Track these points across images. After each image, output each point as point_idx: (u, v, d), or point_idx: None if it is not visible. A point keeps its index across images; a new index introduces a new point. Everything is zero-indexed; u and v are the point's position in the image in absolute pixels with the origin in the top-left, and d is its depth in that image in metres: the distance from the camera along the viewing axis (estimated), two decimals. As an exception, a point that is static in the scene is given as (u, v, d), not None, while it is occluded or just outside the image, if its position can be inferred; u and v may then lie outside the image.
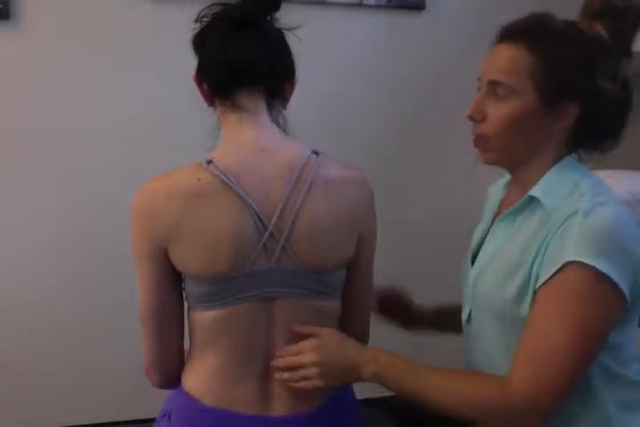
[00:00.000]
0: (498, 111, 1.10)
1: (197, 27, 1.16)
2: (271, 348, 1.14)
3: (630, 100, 1.12)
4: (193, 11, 1.18)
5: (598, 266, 0.98)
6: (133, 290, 1.15)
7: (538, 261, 1.04)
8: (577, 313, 0.99)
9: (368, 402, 1.67)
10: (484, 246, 1.19)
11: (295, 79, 1.19)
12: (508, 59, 1.09)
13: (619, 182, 1.94)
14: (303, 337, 1.14)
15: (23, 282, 2.13)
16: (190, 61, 1.18)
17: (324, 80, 2.27)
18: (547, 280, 1.01)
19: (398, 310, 1.42)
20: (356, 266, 1.20)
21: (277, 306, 1.12)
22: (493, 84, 1.10)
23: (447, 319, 1.36)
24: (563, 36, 1.08)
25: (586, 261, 0.99)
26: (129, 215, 1.12)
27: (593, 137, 1.13)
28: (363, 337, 1.27)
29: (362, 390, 1.32)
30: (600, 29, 1.08)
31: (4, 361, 2.13)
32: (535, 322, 1.02)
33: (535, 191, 1.10)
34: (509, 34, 1.11)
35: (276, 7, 1.15)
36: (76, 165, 2.14)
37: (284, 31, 1.17)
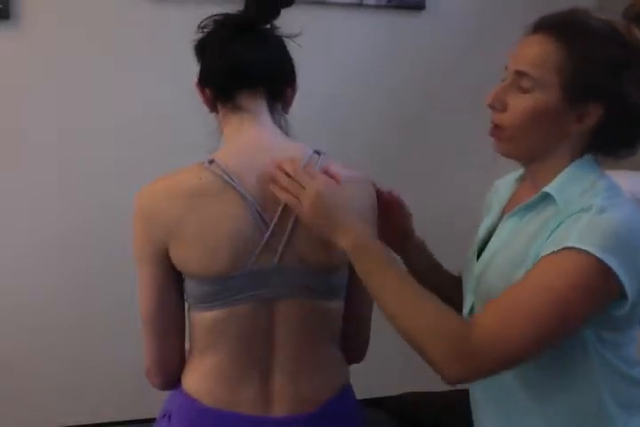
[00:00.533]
0: (519, 103, 1.08)
1: (199, 35, 1.17)
2: (273, 349, 1.14)
3: None
4: (193, 11, 1.18)
5: (600, 256, 0.96)
6: (133, 290, 1.15)
7: (539, 247, 1.04)
8: (564, 293, 0.97)
9: (368, 402, 1.67)
10: (491, 240, 1.18)
11: (296, 86, 1.19)
12: (539, 51, 1.07)
13: (619, 183, 1.94)
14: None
15: (23, 282, 2.13)
16: (190, 61, 1.18)
17: (324, 80, 2.27)
18: (546, 255, 1.01)
19: (393, 218, 1.33)
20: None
21: (280, 306, 1.12)
22: (519, 75, 1.08)
23: (427, 272, 1.33)
24: (597, 36, 1.05)
25: (589, 249, 0.97)
26: (129, 215, 1.12)
27: (612, 142, 1.11)
28: (363, 339, 1.27)
29: (362, 390, 1.32)
30: (638, 33, 1.05)
31: (4, 361, 2.13)
32: (522, 284, 1.01)
33: (550, 188, 1.08)
34: (544, 25, 1.09)
35: (276, 13, 1.16)
36: (76, 165, 2.14)
37: (284, 38, 1.18)
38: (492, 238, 1.18)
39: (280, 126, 1.18)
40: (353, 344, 1.26)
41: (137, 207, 1.11)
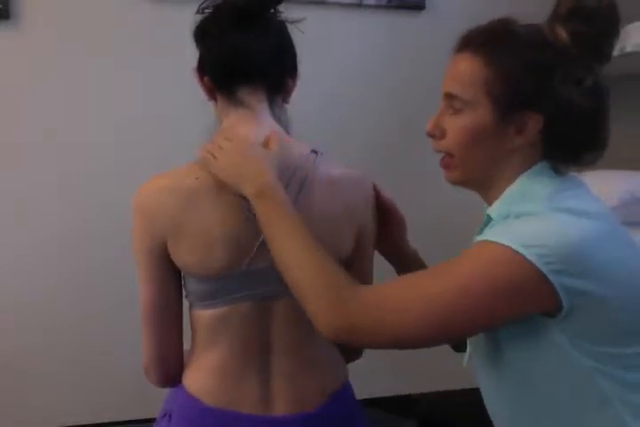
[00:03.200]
0: (454, 126, 1.05)
1: (199, 18, 1.15)
2: (270, 348, 1.14)
3: (602, 108, 1.03)
4: (193, 11, 1.17)
5: (515, 247, 0.91)
6: (133, 290, 1.15)
7: None
8: (467, 281, 0.92)
9: (368, 402, 1.67)
10: None
11: (297, 74, 1.18)
12: (462, 69, 1.04)
13: (618, 182, 1.94)
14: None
15: (23, 282, 2.13)
16: (190, 61, 1.18)
17: (324, 80, 2.27)
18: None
19: (387, 226, 1.29)
20: (355, 264, 1.20)
21: (277, 305, 1.12)
22: (449, 98, 1.05)
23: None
24: (517, 42, 1.01)
25: (498, 240, 0.93)
26: (129, 215, 1.12)
27: (564, 150, 1.04)
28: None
29: (362, 390, 1.32)
30: (562, 32, 1.00)
31: (3, 361, 2.13)
32: (431, 269, 0.99)
33: (490, 210, 1.05)
34: (466, 42, 1.05)
35: (279, 1, 1.13)
36: (76, 165, 2.14)
37: (286, 25, 1.16)
38: None
39: (279, 121, 1.17)
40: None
41: (135, 205, 1.11)
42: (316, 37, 2.05)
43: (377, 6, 2.34)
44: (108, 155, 2.15)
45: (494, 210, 1.05)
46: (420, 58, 2.40)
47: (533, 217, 0.97)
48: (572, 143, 1.04)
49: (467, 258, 0.96)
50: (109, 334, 2.17)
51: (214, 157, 1.08)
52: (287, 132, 1.18)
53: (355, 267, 1.20)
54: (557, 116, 1.01)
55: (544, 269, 0.91)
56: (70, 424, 2.19)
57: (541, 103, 1.00)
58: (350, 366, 1.26)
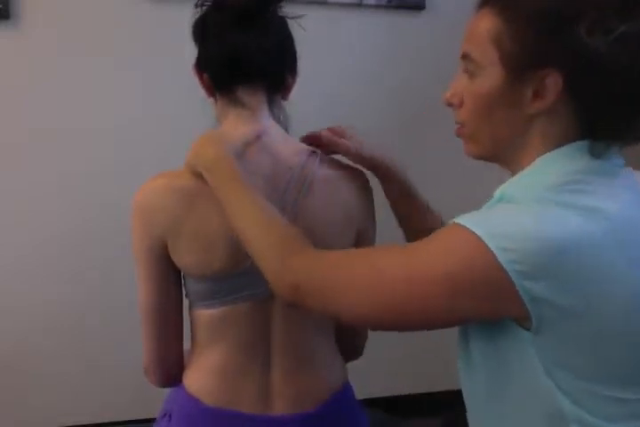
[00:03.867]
0: (467, 91, 0.91)
1: (198, 13, 1.13)
2: (270, 347, 1.14)
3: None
4: (193, 11, 1.17)
5: (488, 241, 0.78)
6: (133, 290, 1.15)
7: None
8: (428, 270, 0.82)
9: (368, 402, 1.67)
10: None
11: (297, 71, 1.16)
12: (477, 28, 0.91)
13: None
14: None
15: (23, 282, 2.14)
16: (190, 61, 1.18)
17: (324, 80, 2.27)
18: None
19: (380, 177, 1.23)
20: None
21: (276, 306, 1.12)
22: (464, 60, 0.92)
23: (398, 201, 1.24)
24: None
25: (461, 221, 0.82)
26: (129, 215, 1.12)
27: (599, 117, 0.87)
28: (360, 336, 1.27)
29: (362, 390, 1.32)
30: None
31: (4, 361, 2.13)
32: (394, 247, 0.89)
33: (499, 190, 0.90)
34: (482, 0, 0.93)
35: None
36: (76, 165, 2.14)
37: (287, 21, 1.14)
38: None
39: (279, 121, 1.17)
40: (350, 342, 1.25)
41: (134, 204, 1.11)
42: (316, 37, 2.05)
43: (377, 6, 2.34)
44: (108, 155, 2.15)
45: (500, 189, 0.90)
46: (420, 58, 2.40)
47: (521, 206, 0.84)
48: (606, 106, 0.86)
49: (431, 241, 0.86)
50: (109, 334, 2.18)
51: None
52: (287, 131, 1.18)
53: None
54: (581, 71, 0.84)
55: (508, 267, 0.78)
56: (70, 424, 2.19)
57: (561, 57, 0.84)
58: (350, 365, 1.26)
